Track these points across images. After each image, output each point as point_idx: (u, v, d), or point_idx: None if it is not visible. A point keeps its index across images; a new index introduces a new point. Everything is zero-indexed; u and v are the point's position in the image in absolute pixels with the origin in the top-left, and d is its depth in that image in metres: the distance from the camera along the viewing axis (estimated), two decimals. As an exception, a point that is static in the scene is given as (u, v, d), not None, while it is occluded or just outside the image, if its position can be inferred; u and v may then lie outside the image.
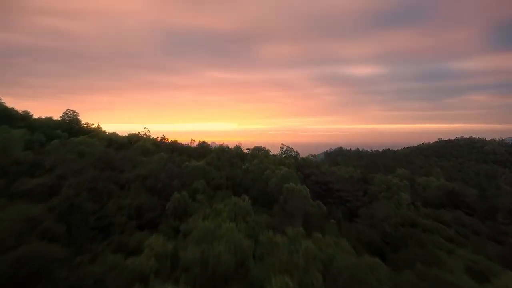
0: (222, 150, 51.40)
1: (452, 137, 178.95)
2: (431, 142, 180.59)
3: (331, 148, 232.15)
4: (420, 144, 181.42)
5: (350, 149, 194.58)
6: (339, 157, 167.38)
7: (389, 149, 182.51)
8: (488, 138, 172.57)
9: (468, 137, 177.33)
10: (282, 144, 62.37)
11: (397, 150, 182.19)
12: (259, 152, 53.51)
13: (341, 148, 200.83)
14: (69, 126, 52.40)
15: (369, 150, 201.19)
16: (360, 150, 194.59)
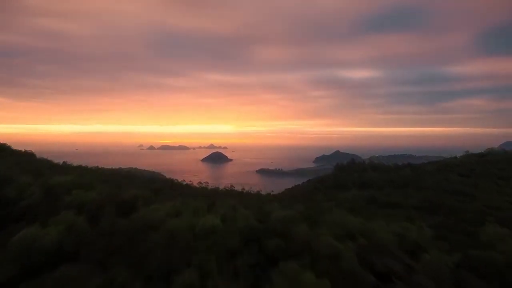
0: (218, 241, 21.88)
1: (482, 150, 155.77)
2: (459, 156, 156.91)
3: (341, 162, 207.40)
4: (446, 158, 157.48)
5: (365, 161, 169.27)
6: (356, 173, 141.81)
7: (409, 163, 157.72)
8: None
9: (501, 149, 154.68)
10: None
11: (420, 164, 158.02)
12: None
13: (353, 160, 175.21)
14: None
15: (383, 160, 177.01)
16: (375, 161, 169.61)
